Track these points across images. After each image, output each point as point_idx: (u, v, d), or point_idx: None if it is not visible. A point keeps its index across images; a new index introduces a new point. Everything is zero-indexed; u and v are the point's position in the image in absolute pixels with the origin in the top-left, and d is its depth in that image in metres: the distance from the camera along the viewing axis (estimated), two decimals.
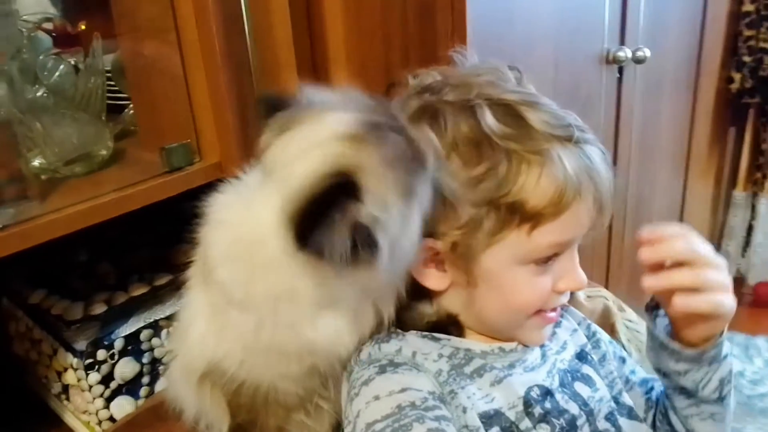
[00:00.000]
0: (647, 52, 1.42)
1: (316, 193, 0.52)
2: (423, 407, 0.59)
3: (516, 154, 0.61)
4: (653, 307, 0.71)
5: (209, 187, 0.66)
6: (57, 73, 0.87)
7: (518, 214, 0.61)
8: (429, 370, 0.64)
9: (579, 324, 0.79)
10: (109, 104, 1.00)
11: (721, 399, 0.70)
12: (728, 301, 0.62)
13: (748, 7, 2.15)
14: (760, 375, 2.18)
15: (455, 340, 0.69)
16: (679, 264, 0.60)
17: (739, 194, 2.55)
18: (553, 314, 0.70)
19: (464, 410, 0.63)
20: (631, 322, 1.00)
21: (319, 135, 0.55)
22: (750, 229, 2.58)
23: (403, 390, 0.61)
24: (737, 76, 2.23)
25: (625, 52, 1.37)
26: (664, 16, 1.60)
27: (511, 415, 0.65)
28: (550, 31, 1.16)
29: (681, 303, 0.60)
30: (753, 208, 2.54)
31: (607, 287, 1.67)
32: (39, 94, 0.84)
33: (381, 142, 0.55)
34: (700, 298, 0.60)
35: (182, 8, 0.81)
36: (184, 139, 0.85)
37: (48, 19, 0.91)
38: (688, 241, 0.61)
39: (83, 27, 0.89)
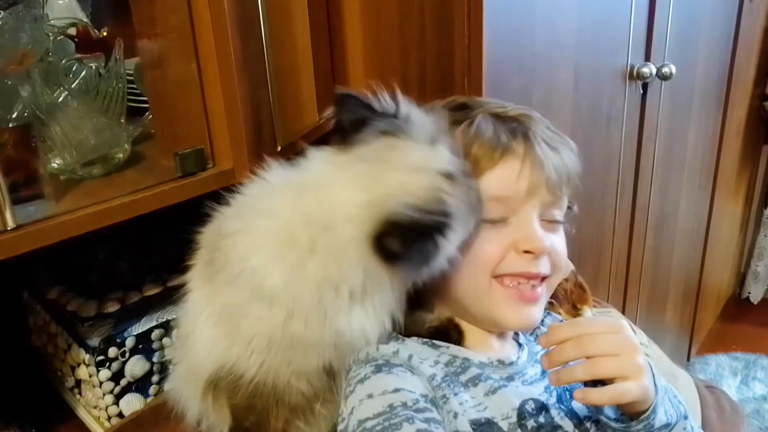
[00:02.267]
0: (673, 69, 1.40)
1: (426, 225, 0.61)
2: (414, 408, 0.61)
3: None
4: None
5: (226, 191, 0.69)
6: (80, 77, 0.89)
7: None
8: (423, 374, 0.66)
9: None
10: (131, 107, 1.02)
11: None
12: (633, 387, 0.62)
13: None
14: None
15: (454, 349, 0.71)
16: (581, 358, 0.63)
17: None
18: (527, 289, 0.71)
19: (455, 416, 0.64)
20: (642, 344, 0.98)
21: (429, 163, 0.63)
22: None
23: (396, 390, 0.63)
24: None
25: (650, 68, 1.35)
26: (693, 31, 1.57)
27: (504, 425, 0.66)
28: (572, 44, 1.15)
29: (579, 398, 0.63)
30: None
31: (624, 303, 1.66)
32: (61, 97, 0.87)
33: (468, 188, 0.66)
34: (598, 393, 0.62)
35: (200, 15, 0.82)
36: (197, 145, 0.87)
37: (72, 24, 0.94)
38: (583, 342, 0.63)
39: (105, 33, 0.91)
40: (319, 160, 0.67)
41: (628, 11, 1.28)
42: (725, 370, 2.28)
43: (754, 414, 2.08)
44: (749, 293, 2.65)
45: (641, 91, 1.40)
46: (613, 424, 0.66)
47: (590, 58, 1.20)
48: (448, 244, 0.63)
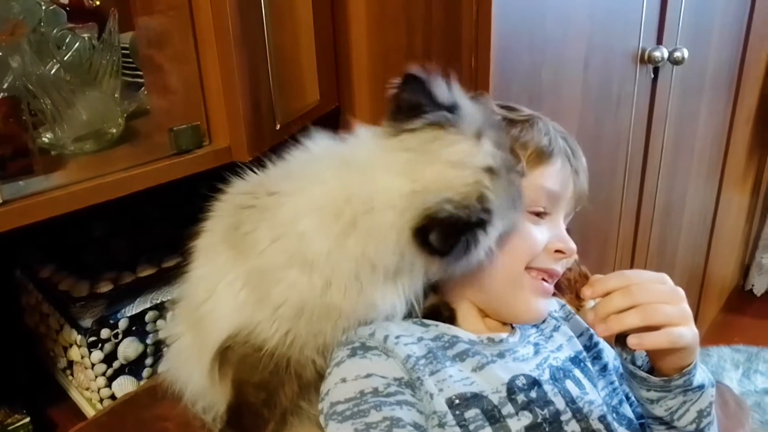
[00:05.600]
0: (685, 53, 1.36)
1: (466, 222, 0.62)
2: (384, 393, 0.64)
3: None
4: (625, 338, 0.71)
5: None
6: (72, 49, 0.86)
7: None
8: (398, 356, 0.67)
9: (581, 335, 0.81)
10: (127, 82, 0.99)
11: (699, 431, 0.71)
12: (687, 333, 0.64)
13: None
14: None
15: (444, 327, 0.73)
16: (632, 306, 0.64)
17: None
18: (548, 286, 0.74)
19: (431, 396, 0.65)
20: None
21: (472, 158, 0.65)
22: None
23: (368, 375, 0.65)
24: None
25: (662, 52, 1.31)
26: (707, 16, 1.53)
27: (495, 398, 0.67)
28: (583, 25, 1.11)
29: (635, 343, 0.64)
30: None
31: None
32: (53, 69, 0.83)
33: (510, 183, 0.67)
34: (654, 336, 0.63)
35: None
36: (193, 122, 0.84)
37: None
38: (632, 291, 0.64)
39: (98, 2, 0.88)
40: (369, 139, 0.68)
41: None
42: (727, 362, 2.26)
43: (756, 407, 2.06)
44: (753, 285, 2.62)
45: (652, 75, 1.36)
46: (653, 379, 0.68)
47: (601, 40, 1.16)
48: (487, 239, 0.65)
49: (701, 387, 0.69)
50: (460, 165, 0.64)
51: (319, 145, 0.69)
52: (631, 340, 0.63)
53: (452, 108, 0.67)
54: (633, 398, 0.78)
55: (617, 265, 1.51)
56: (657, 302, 0.63)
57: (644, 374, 0.69)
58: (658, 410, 0.71)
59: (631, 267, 1.59)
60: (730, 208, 2.16)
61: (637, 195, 1.49)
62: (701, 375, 0.69)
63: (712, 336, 2.36)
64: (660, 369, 0.69)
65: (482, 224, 0.64)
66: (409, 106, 0.66)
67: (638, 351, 0.70)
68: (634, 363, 0.71)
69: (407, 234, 0.63)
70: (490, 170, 0.65)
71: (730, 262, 2.46)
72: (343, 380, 0.65)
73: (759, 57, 1.96)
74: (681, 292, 0.66)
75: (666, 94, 1.44)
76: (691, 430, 0.71)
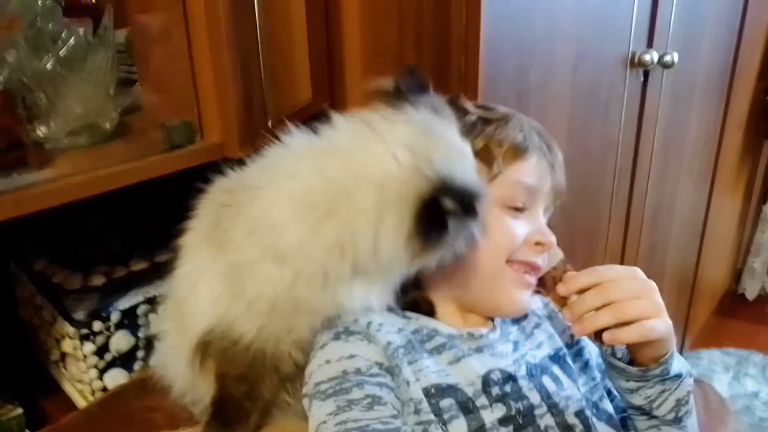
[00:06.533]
0: (675, 57, 1.37)
1: (461, 201, 0.62)
2: (368, 374, 0.65)
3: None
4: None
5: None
6: (68, 44, 0.87)
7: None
8: (380, 342, 0.68)
9: (563, 332, 0.81)
10: (123, 77, 1.00)
11: (678, 420, 0.72)
12: (659, 325, 0.65)
13: None
14: None
15: (424, 320, 0.74)
16: (605, 304, 0.65)
17: None
18: (530, 278, 0.75)
19: (408, 384, 0.67)
20: None
21: (457, 139, 0.67)
22: None
23: (351, 357, 0.66)
24: None
25: (652, 56, 1.32)
26: (698, 20, 1.55)
27: (469, 391, 0.68)
28: (572, 27, 1.12)
29: (609, 339, 0.65)
30: None
31: None
32: (48, 64, 0.85)
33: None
34: (627, 331, 0.64)
35: None
36: (186, 117, 0.85)
37: None
38: (605, 289, 0.66)
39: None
40: (344, 124, 0.68)
41: None
42: (717, 365, 2.28)
43: (745, 410, 2.08)
44: (745, 289, 2.64)
45: (642, 79, 1.38)
46: (631, 369, 0.70)
47: (591, 42, 1.18)
48: (474, 223, 0.65)
49: (678, 376, 0.70)
50: (460, 148, 0.67)
51: (295, 139, 0.69)
52: (606, 337, 0.65)
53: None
54: (615, 393, 0.80)
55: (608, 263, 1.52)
56: (629, 298, 0.65)
57: (622, 365, 0.71)
58: (638, 399, 0.72)
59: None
60: (722, 212, 2.17)
61: (626, 199, 1.50)
62: (678, 364, 0.70)
63: (703, 339, 2.37)
64: (638, 359, 0.70)
65: (474, 213, 0.63)
66: (410, 91, 0.68)
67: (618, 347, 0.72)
68: (614, 355, 0.72)
69: (410, 202, 0.61)
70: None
71: (722, 266, 2.47)
72: (327, 361, 0.66)
73: (751, 62, 1.98)
74: (652, 285, 0.67)
75: (656, 98, 1.45)
76: (670, 418, 0.72)
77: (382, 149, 0.63)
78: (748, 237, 2.57)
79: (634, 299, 0.65)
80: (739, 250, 2.58)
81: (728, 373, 2.24)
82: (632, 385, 0.71)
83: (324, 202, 0.63)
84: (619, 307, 0.64)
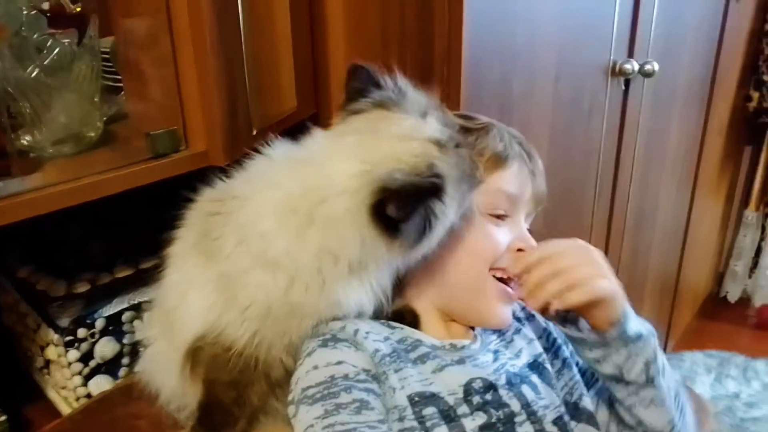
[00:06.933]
0: (656, 66, 1.40)
1: (418, 186, 0.64)
2: (355, 379, 0.66)
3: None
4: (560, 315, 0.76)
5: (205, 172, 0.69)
6: (53, 54, 0.87)
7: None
8: (367, 349, 0.69)
9: (540, 337, 0.83)
10: (108, 86, 1.00)
11: (650, 380, 0.73)
12: (606, 284, 0.69)
13: None
14: (757, 398, 2.15)
15: (408, 330, 0.75)
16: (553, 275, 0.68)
17: (751, 214, 2.52)
18: (512, 291, 0.77)
19: (394, 390, 0.68)
20: None
21: (418, 131, 0.67)
22: (759, 251, 2.54)
23: (339, 363, 0.67)
24: (755, 95, 2.20)
25: (632, 65, 1.35)
26: (678, 29, 1.57)
27: (450, 400, 0.69)
28: (554, 37, 1.14)
29: (559, 304, 0.68)
30: (764, 228, 2.50)
31: None
32: (33, 73, 0.85)
33: (460, 157, 0.69)
34: (575, 293, 0.67)
35: None
36: (171, 126, 0.86)
37: None
38: (552, 259, 0.69)
39: (79, 9, 0.90)
40: (321, 136, 0.71)
41: (612, 6, 1.28)
42: (699, 367, 2.30)
43: (726, 411, 2.11)
44: (727, 292, 2.67)
45: (623, 87, 1.40)
46: (590, 335, 0.72)
47: (572, 52, 1.20)
48: (446, 211, 0.66)
49: (639, 336, 0.72)
50: (407, 138, 0.66)
51: (277, 150, 0.71)
52: (556, 303, 0.68)
53: (396, 91, 0.70)
54: (595, 390, 0.81)
55: None
56: (575, 264, 0.68)
57: (581, 334, 0.73)
58: (608, 368, 0.73)
59: None
60: (704, 216, 2.21)
61: (608, 205, 1.52)
62: (636, 325, 0.72)
63: (686, 342, 2.40)
64: (595, 326, 0.72)
65: (436, 190, 0.65)
66: (356, 93, 0.70)
67: (581, 322, 0.74)
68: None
69: (364, 214, 0.64)
70: (437, 142, 0.67)
71: (704, 269, 2.51)
72: (315, 367, 0.67)
73: (731, 69, 2.01)
74: (596, 251, 0.71)
75: (637, 106, 1.48)
76: (642, 380, 0.73)
77: (342, 159, 0.66)
78: (730, 241, 2.61)
79: (580, 264, 0.69)
80: (721, 253, 2.61)
81: (710, 375, 2.27)
82: (597, 353, 0.73)
83: (303, 208, 0.65)
84: (566, 272, 0.68)
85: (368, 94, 0.69)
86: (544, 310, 0.71)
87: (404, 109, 0.69)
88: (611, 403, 0.79)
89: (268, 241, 0.65)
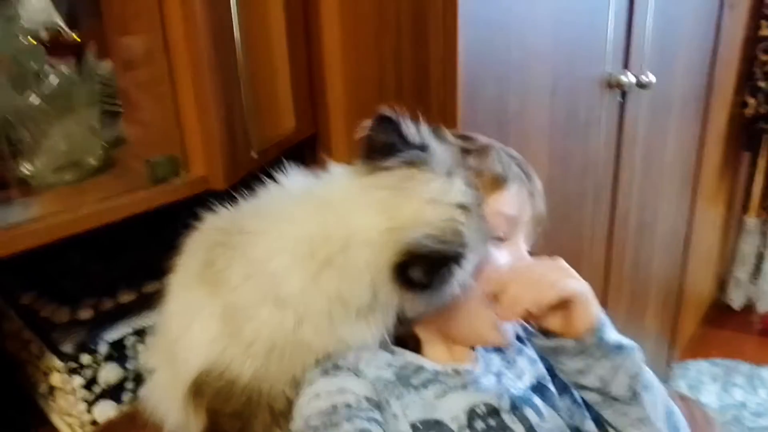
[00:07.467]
0: (651, 78, 1.41)
1: (445, 255, 0.65)
2: (357, 408, 0.66)
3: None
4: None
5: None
6: (51, 81, 0.88)
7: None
8: (368, 377, 0.70)
9: (542, 357, 0.82)
10: (110, 111, 1.01)
11: (636, 396, 0.72)
12: (573, 283, 0.69)
13: (765, 31, 2.13)
14: (764, 407, 2.14)
15: (410, 355, 0.75)
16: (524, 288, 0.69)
17: (751, 220, 2.52)
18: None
19: (396, 418, 0.68)
20: None
21: (445, 195, 0.68)
22: (761, 257, 2.54)
23: (341, 391, 0.67)
24: (752, 101, 2.21)
25: (628, 77, 1.35)
26: (672, 40, 1.58)
27: (454, 426, 0.69)
28: (548, 53, 1.15)
29: (536, 309, 0.68)
30: (765, 234, 2.50)
31: (605, 309, 1.66)
32: (35, 102, 0.86)
33: (480, 219, 0.70)
34: (544, 295, 0.68)
35: (171, 18, 0.82)
36: (170, 151, 0.86)
37: (44, 28, 0.93)
38: (523, 277, 0.70)
39: (75, 37, 0.90)
40: (343, 177, 0.71)
41: (605, 20, 1.28)
42: (705, 376, 2.29)
43: (734, 421, 2.09)
44: (731, 299, 2.67)
45: (620, 99, 1.41)
46: (567, 341, 0.71)
47: (567, 67, 1.20)
48: (462, 273, 0.67)
49: (620, 347, 0.71)
50: (436, 202, 0.67)
51: (292, 181, 0.71)
52: (533, 310, 0.68)
53: (423, 148, 0.70)
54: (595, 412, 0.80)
55: (591, 284, 1.54)
56: (544, 272, 0.70)
57: (558, 342, 0.72)
58: (591, 380, 0.72)
59: (606, 287, 1.62)
60: (705, 224, 2.21)
61: (608, 218, 1.52)
62: (616, 336, 0.72)
63: (690, 350, 2.39)
64: (574, 335, 0.71)
65: (459, 258, 0.66)
66: (383, 146, 0.69)
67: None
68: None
69: (385, 271, 0.65)
70: (462, 207, 0.68)
71: (707, 277, 2.50)
72: (317, 396, 0.67)
73: (727, 77, 2.02)
74: (561, 260, 0.72)
75: (634, 118, 1.48)
76: (629, 396, 0.72)
77: (369, 213, 0.66)
78: (732, 247, 2.60)
79: (548, 272, 0.70)
80: (724, 261, 2.61)
81: (716, 384, 2.26)
82: (580, 364, 0.72)
83: (322, 253, 0.65)
84: (535, 283, 0.69)
85: (396, 152, 0.69)
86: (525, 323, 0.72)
87: (431, 167, 0.69)
88: (604, 428, 0.78)
89: (281, 279, 0.65)
